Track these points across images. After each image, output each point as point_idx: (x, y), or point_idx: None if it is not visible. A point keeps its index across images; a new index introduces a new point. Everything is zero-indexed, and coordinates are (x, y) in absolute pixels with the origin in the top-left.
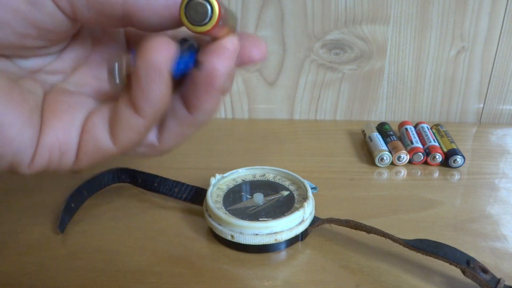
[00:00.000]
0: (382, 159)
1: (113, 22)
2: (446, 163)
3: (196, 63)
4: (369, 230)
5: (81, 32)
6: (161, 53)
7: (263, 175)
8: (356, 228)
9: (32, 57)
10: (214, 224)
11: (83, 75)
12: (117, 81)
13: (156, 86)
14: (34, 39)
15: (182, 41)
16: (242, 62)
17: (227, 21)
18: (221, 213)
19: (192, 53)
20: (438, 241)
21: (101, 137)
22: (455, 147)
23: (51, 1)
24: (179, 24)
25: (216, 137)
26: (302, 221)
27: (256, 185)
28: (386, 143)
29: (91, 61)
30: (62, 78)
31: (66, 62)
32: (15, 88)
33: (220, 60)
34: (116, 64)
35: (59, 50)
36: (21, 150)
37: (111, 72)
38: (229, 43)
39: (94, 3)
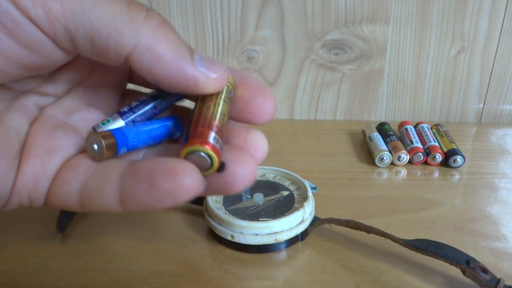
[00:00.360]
0: (382, 159)
1: (115, 64)
2: (446, 163)
3: (220, 165)
4: (369, 230)
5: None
6: (186, 192)
7: (263, 175)
8: (356, 228)
9: (22, 80)
10: (214, 224)
11: (75, 100)
12: (96, 158)
13: (161, 207)
14: (26, 73)
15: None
16: (245, 119)
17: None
18: (221, 213)
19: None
20: (438, 241)
21: (69, 199)
22: (455, 147)
23: (52, 42)
24: (171, 91)
25: None
26: (302, 221)
27: (256, 185)
28: (386, 143)
29: (86, 84)
30: (53, 101)
31: (59, 84)
32: (1, 131)
33: (247, 168)
34: (95, 146)
35: (52, 71)
36: None
37: (89, 149)
38: (260, 145)
39: (98, 49)
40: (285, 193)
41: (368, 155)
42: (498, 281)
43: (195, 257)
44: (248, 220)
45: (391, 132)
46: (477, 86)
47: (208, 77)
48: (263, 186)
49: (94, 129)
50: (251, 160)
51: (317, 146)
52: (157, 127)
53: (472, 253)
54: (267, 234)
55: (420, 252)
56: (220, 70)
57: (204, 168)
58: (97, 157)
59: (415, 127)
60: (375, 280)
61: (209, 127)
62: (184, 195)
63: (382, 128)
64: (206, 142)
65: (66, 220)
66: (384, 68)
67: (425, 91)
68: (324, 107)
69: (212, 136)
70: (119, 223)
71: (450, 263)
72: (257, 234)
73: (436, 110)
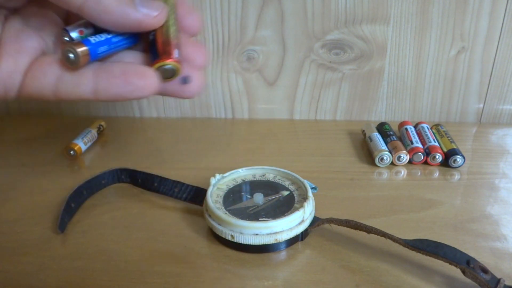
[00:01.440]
0: (382, 159)
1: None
2: (446, 163)
3: (184, 78)
4: (369, 230)
5: None
6: (150, 89)
7: (263, 175)
8: (356, 228)
9: None
10: (214, 224)
11: (19, 24)
12: (72, 66)
13: (129, 98)
14: None
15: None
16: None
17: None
18: (221, 213)
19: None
20: (438, 241)
21: (44, 89)
22: (455, 147)
23: None
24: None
25: (216, 137)
26: (302, 221)
27: (256, 185)
28: (386, 143)
29: (25, 12)
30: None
31: None
32: None
33: (201, 84)
34: (71, 56)
35: None
36: None
37: (65, 58)
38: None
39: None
40: (285, 193)
41: (368, 155)
42: (498, 281)
43: (195, 257)
44: (248, 220)
45: (391, 132)
46: (477, 86)
47: (149, 16)
48: (263, 186)
49: (65, 30)
50: (202, 75)
51: (317, 146)
52: (120, 38)
53: (472, 253)
54: (267, 234)
55: (420, 252)
56: (159, 8)
57: (170, 76)
58: (73, 65)
59: (415, 127)
60: (375, 280)
61: (172, 45)
62: (149, 90)
63: (382, 128)
64: (172, 57)
65: (66, 220)
66: (384, 68)
67: (425, 91)
68: (324, 107)
69: (176, 52)
70: (119, 223)
71: (450, 263)
72: (257, 234)
73: (436, 110)
